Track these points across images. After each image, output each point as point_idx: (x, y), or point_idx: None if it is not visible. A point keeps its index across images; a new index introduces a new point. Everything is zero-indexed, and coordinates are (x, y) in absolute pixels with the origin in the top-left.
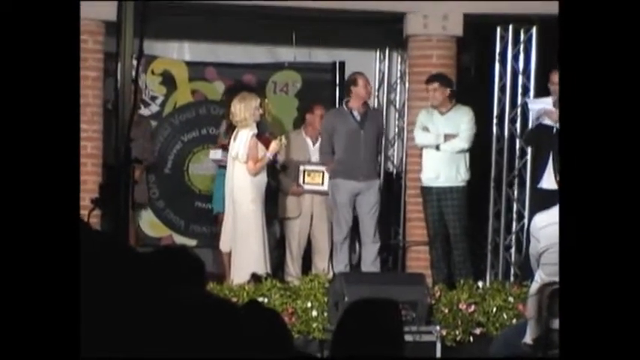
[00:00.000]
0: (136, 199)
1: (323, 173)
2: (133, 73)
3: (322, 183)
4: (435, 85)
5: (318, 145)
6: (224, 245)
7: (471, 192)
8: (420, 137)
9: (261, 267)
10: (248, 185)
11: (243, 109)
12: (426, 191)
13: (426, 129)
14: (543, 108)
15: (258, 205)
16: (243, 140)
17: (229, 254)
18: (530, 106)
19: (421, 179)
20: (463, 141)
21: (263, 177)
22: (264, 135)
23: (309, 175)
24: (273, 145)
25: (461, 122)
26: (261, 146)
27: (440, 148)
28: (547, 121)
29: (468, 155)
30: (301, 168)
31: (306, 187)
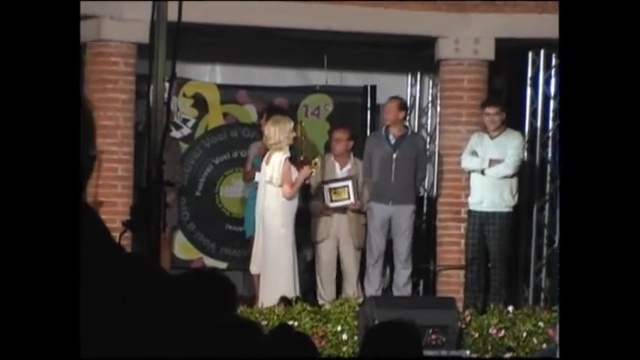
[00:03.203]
0: (168, 222)
1: (348, 187)
2: (165, 96)
3: (349, 197)
4: (497, 109)
5: (346, 168)
6: (254, 268)
7: (514, 217)
8: (466, 161)
9: (291, 290)
10: (279, 208)
11: (278, 132)
12: (470, 214)
13: (474, 153)
14: None
15: (288, 229)
16: (276, 164)
17: (259, 277)
18: None
19: (469, 203)
20: (508, 167)
21: (295, 200)
22: (297, 158)
23: (335, 192)
24: (305, 169)
25: (509, 148)
26: (294, 170)
27: (485, 173)
28: None
29: (515, 181)
30: (326, 187)
31: (334, 204)
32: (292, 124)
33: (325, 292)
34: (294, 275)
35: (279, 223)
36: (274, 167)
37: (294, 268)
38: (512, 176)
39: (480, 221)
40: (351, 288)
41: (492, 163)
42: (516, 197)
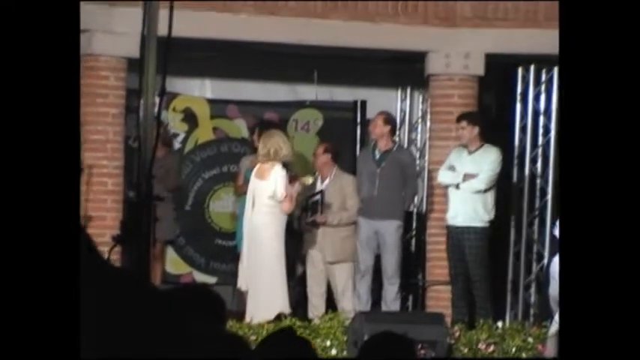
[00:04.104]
0: (159, 237)
1: (319, 202)
2: (155, 110)
3: (318, 211)
4: (463, 123)
5: (325, 182)
6: (243, 283)
7: (491, 232)
8: (442, 175)
9: (283, 305)
10: (273, 223)
11: (283, 144)
12: (448, 230)
13: (452, 168)
14: None
15: (280, 243)
16: (279, 178)
17: (247, 292)
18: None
19: (446, 218)
20: (481, 182)
21: (286, 215)
22: (289, 173)
23: (312, 207)
24: (296, 186)
25: (484, 163)
26: (288, 184)
27: (459, 188)
28: None
29: (490, 196)
30: (309, 202)
31: (309, 219)
32: (286, 138)
33: (314, 305)
34: (286, 290)
35: (272, 237)
36: (277, 182)
37: (285, 283)
38: (486, 191)
39: (457, 236)
40: (338, 302)
41: (466, 177)
42: (492, 212)
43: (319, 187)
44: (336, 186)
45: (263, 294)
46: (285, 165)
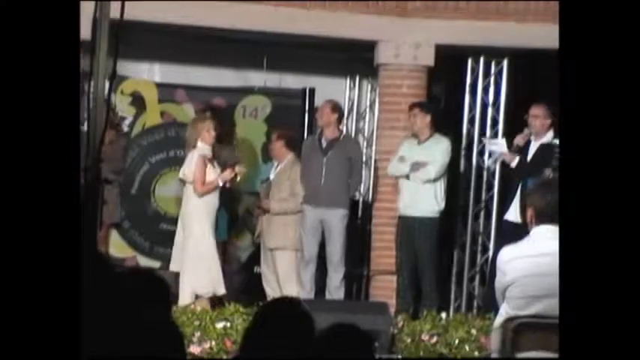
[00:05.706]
0: (108, 220)
1: (267, 188)
2: (105, 94)
3: (267, 198)
4: (415, 110)
5: (276, 169)
6: (174, 265)
7: (440, 222)
8: (392, 167)
9: (207, 288)
10: (198, 206)
11: (192, 130)
12: (399, 220)
13: (402, 158)
14: (500, 152)
15: (207, 226)
16: (190, 161)
17: (179, 275)
18: (487, 147)
19: (397, 208)
20: (430, 171)
21: (214, 199)
22: (226, 161)
23: (264, 194)
24: (226, 173)
25: (434, 152)
26: (215, 170)
27: (409, 178)
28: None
29: (441, 186)
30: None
31: (258, 204)
32: (209, 122)
33: (266, 291)
34: (212, 273)
35: (200, 220)
36: (189, 164)
37: (215, 265)
38: (436, 180)
39: (407, 226)
40: (281, 289)
41: (416, 166)
42: (443, 202)
43: (271, 173)
44: (285, 173)
45: (190, 276)
46: (215, 150)
